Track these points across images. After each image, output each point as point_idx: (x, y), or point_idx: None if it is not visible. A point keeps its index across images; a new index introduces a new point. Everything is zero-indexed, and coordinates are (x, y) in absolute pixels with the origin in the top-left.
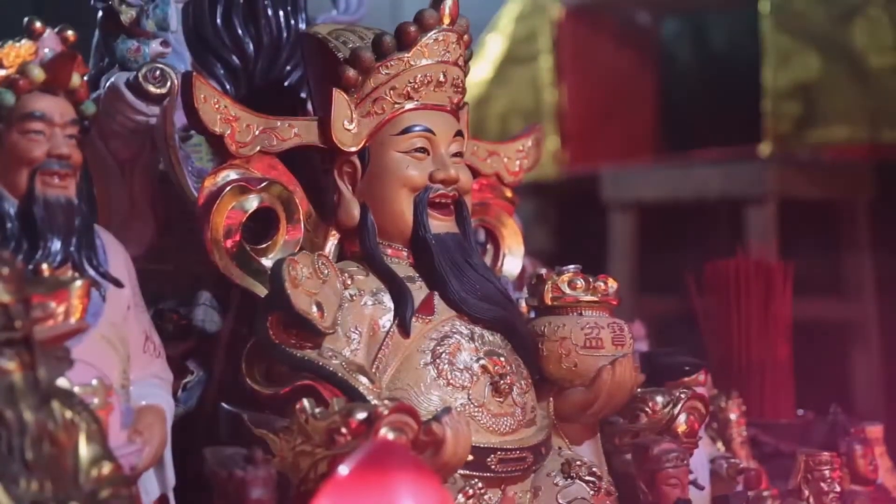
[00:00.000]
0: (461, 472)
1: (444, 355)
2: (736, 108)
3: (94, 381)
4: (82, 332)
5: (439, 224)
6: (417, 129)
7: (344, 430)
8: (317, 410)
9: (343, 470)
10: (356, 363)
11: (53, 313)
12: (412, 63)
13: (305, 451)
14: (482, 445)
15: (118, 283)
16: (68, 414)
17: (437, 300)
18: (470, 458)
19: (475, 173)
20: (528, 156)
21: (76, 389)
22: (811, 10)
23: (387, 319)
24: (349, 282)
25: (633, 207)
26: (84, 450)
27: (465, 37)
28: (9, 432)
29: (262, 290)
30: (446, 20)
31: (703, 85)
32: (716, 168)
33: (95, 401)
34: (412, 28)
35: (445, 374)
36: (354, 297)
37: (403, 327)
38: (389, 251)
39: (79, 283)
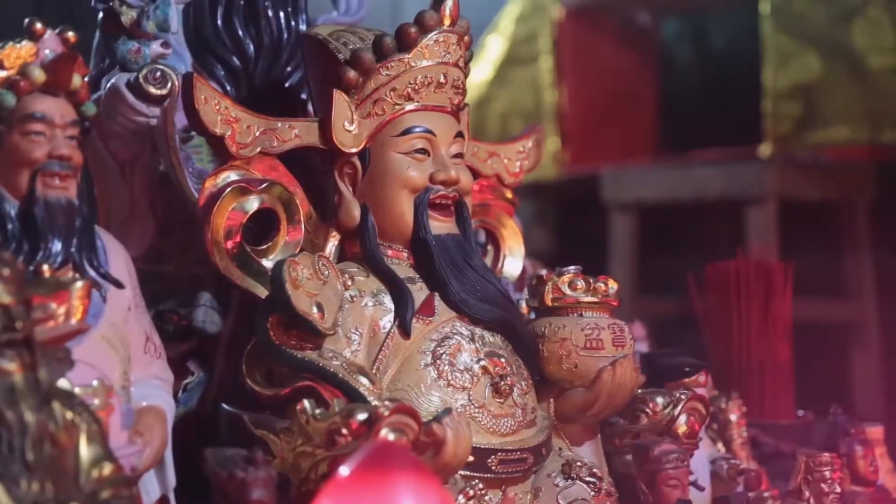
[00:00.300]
0: (462, 472)
1: (444, 356)
2: (736, 109)
3: (95, 382)
4: (83, 333)
5: (440, 225)
6: (418, 130)
7: (344, 431)
8: (317, 411)
9: (343, 471)
10: (357, 364)
11: (54, 314)
12: (413, 64)
13: (306, 452)
14: (482, 446)
15: (119, 284)
16: (69, 415)
17: (438, 301)
18: (470, 458)
19: (475, 174)
20: (529, 157)
21: (77, 390)
22: (811, 11)
23: (387, 320)
24: (350, 283)
25: (633, 208)
26: (85, 450)
27: (466, 38)
28: (10, 433)
29: (262, 292)
30: (447, 21)
31: (704, 85)
32: (716, 169)
33: (96, 401)
34: (413, 29)
35: (446, 375)
36: (355, 299)
37: (404, 328)
38: (390, 252)
39: (79, 284)
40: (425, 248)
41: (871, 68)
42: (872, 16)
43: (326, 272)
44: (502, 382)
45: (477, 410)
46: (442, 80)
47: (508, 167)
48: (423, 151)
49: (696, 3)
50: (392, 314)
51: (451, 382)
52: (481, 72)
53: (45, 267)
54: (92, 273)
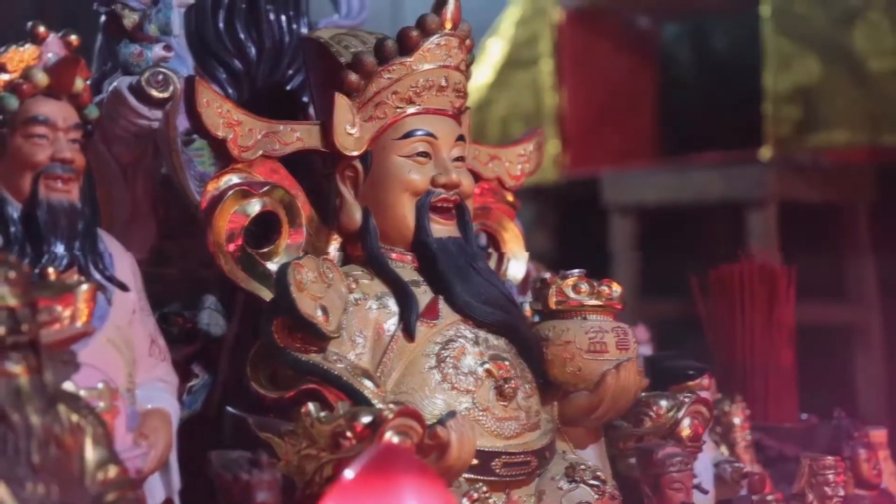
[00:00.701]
0: (466, 475)
1: (448, 359)
2: (736, 112)
3: (100, 385)
4: (88, 336)
5: (441, 228)
6: (419, 133)
7: (349, 434)
8: (322, 414)
9: (348, 474)
10: (361, 367)
11: (59, 317)
12: (414, 67)
13: (310, 455)
14: (486, 449)
15: (124, 287)
16: (74, 417)
17: (442, 304)
18: (474, 462)
19: (477, 177)
20: (530, 160)
21: (82, 393)
22: (812, 14)
23: (391, 323)
24: (354, 286)
25: (633, 211)
26: (90, 453)
27: (467, 41)
28: (15, 435)
29: (267, 294)
30: (448, 24)
31: (704, 88)
32: (716, 171)
33: (101, 404)
34: (414, 32)
35: (450, 378)
36: (359, 301)
37: (408, 331)
38: (394, 255)
39: (85, 286)
40: (429, 250)
41: (872, 71)
42: (873, 19)
43: (331, 275)
44: (506, 385)
45: (481, 413)
46: (443, 83)
47: (509, 170)
48: (425, 155)
49: (697, 6)
50: (396, 317)
51: (456, 385)
52: (482, 75)
53: (51, 269)
54: (97, 276)
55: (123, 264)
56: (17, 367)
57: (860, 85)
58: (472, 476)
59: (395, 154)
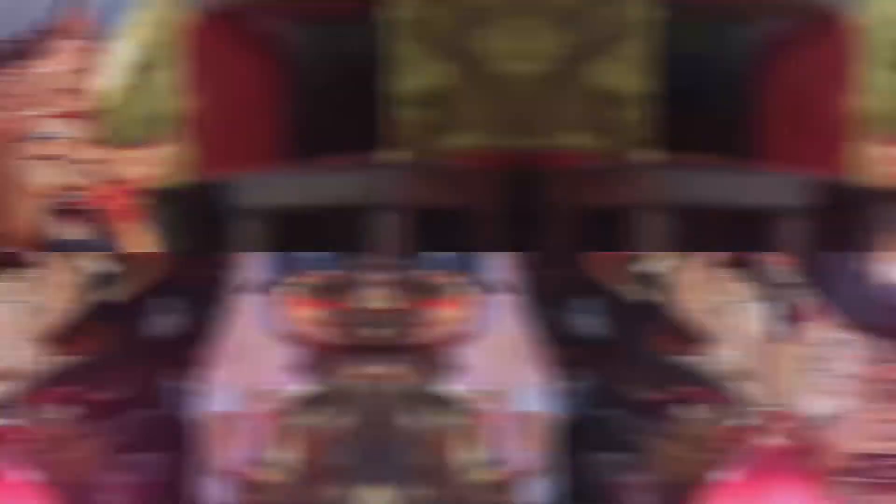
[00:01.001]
0: (845, 478)
1: (826, 361)
2: (365, 116)
3: (483, 388)
4: (473, 339)
5: (70, 231)
6: (45, 135)
7: (725, 437)
8: (698, 417)
9: (727, 476)
10: (737, 369)
11: (443, 319)
12: (37, 70)
13: (688, 458)
14: (867, 452)
15: (507, 290)
16: (454, 419)
17: (820, 307)
18: (856, 464)
19: (109, 180)
20: (161, 163)
21: (465, 395)
22: (439, 17)
23: (766, 326)
24: (726, 289)
25: (262, 214)
26: (468, 455)
27: (94, 43)
28: (396, 438)
29: (640, 296)
30: (73, 27)
31: (335, 92)
32: (345, 175)
33: (482, 407)
34: (38, 36)
35: (828, 380)
36: (732, 304)
37: (784, 333)
38: (767, 257)
39: (469, 289)
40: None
41: (500, 74)
42: (502, 22)
43: (713, 277)
44: (888, 387)
45: (861, 415)
46: (69, 85)
47: (141, 172)
48: (52, 157)
49: (329, 11)
50: (771, 320)
51: (834, 387)
52: (113, 77)
53: (436, 272)
54: (479, 279)
55: (504, 267)
56: (400, 370)
57: (488, 88)
58: (852, 479)
59: (21, 157)
